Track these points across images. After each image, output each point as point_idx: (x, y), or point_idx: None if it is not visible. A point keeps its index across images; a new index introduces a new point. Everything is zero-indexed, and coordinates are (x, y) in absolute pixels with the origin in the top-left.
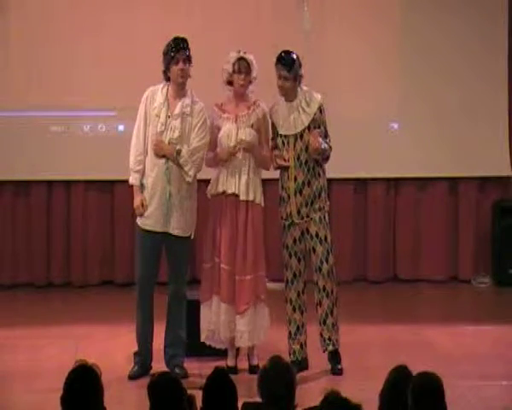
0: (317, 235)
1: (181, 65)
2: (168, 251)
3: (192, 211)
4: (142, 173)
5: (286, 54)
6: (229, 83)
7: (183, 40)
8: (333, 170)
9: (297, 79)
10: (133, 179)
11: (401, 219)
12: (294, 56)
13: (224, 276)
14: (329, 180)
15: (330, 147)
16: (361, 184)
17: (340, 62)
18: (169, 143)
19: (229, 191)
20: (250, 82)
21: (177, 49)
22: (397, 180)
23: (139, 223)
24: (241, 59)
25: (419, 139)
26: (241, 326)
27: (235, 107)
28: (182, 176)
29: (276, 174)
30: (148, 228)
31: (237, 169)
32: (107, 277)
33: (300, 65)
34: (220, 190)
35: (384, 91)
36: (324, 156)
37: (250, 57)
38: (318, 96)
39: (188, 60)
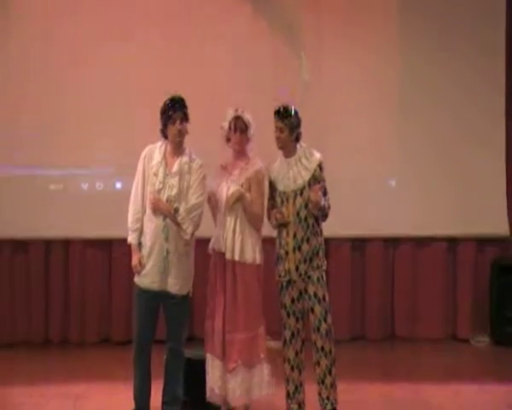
0: (315, 295)
1: (178, 124)
2: (166, 309)
3: (189, 268)
4: (140, 232)
5: (283, 107)
6: (229, 140)
7: (180, 99)
8: (330, 228)
9: (294, 132)
10: (131, 238)
11: (399, 277)
12: (292, 110)
13: (216, 333)
14: (327, 239)
15: (329, 205)
16: (359, 242)
17: (339, 115)
18: (167, 200)
19: (217, 249)
20: (247, 140)
21: (174, 109)
22: (395, 239)
23: (137, 281)
24: (237, 118)
25: (417, 198)
26: (232, 384)
27: (233, 165)
28: (179, 234)
29: (271, 232)
30: (145, 286)
31: (224, 227)
32: (104, 335)
33: (299, 121)
34: (211, 247)
35: (382, 149)
36: (323, 213)
37: (247, 116)
38: (318, 154)
39: (185, 118)
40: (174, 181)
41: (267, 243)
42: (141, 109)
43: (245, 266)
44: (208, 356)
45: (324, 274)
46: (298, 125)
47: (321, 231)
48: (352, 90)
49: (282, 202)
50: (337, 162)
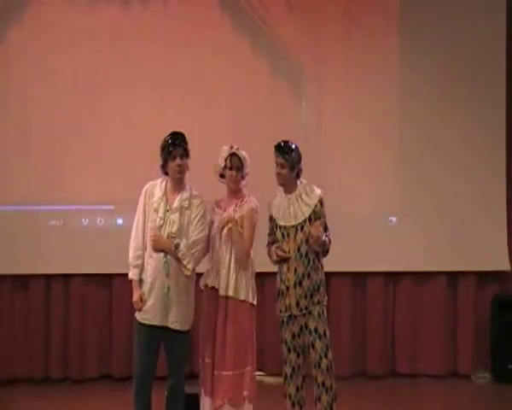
0: (315, 330)
1: (178, 161)
2: (166, 345)
3: (189, 304)
4: (141, 268)
5: (284, 142)
6: (222, 176)
7: (180, 135)
8: (331, 263)
9: (294, 168)
10: (132, 274)
11: (400, 313)
12: (293, 146)
13: (206, 369)
14: (328, 274)
15: (330, 240)
16: (359, 277)
17: (339, 155)
18: (168, 237)
19: (210, 284)
20: (242, 177)
21: (174, 145)
22: (395, 274)
23: (137, 317)
24: (233, 155)
25: (418, 233)
26: None
27: (228, 202)
28: (180, 270)
29: (269, 267)
30: (146, 322)
31: (218, 263)
32: (105, 370)
33: (300, 157)
34: (203, 282)
35: (382, 186)
36: (324, 249)
37: (242, 153)
38: (318, 190)
39: (185, 154)
40: (175, 217)
41: (266, 277)
42: (141, 146)
43: (238, 303)
44: (201, 391)
45: (325, 309)
46: (298, 161)
47: (322, 266)
48: (352, 133)
49: (283, 236)
50: (337, 200)
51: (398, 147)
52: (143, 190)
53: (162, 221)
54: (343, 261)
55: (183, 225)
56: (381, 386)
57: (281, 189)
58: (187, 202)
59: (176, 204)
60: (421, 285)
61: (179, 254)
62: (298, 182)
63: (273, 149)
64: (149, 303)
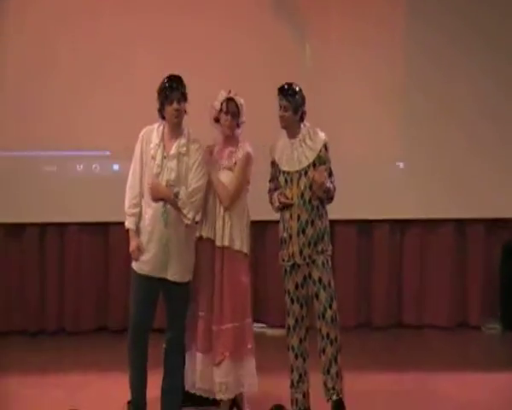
0: (319, 280)
1: (175, 105)
2: (166, 297)
3: (190, 255)
4: (139, 216)
5: (288, 84)
6: (217, 120)
7: (178, 78)
8: (336, 211)
9: (298, 110)
10: (129, 223)
11: (407, 262)
12: (297, 88)
13: (200, 324)
14: (332, 222)
15: (334, 187)
16: (365, 226)
17: (343, 100)
18: (166, 185)
19: (205, 236)
20: (237, 125)
21: (172, 89)
22: (402, 222)
23: (135, 268)
24: (230, 100)
25: (425, 180)
26: (218, 378)
27: (222, 150)
28: (180, 219)
29: (273, 215)
30: (144, 273)
31: (212, 213)
32: (101, 323)
33: (303, 100)
34: (197, 234)
35: (388, 130)
36: (329, 196)
37: (240, 100)
38: (323, 134)
39: (183, 98)
40: (172, 164)
41: (268, 226)
42: (139, 89)
43: (234, 253)
44: (193, 347)
45: (329, 259)
46: (302, 103)
47: (326, 213)
48: (357, 78)
49: (286, 182)
50: (343, 145)
51: (404, 93)
52: (140, 136)
53: (159, 168)
54: (348, 209)
55: (181, 173)
56: (386, 338)
57: (284, 133)
58: (185, 148)
59: (173, 151)
60: (429, 233)
61: (179, 203)
62: (301, 125)
63: (276, 95)
64: (148, 254)
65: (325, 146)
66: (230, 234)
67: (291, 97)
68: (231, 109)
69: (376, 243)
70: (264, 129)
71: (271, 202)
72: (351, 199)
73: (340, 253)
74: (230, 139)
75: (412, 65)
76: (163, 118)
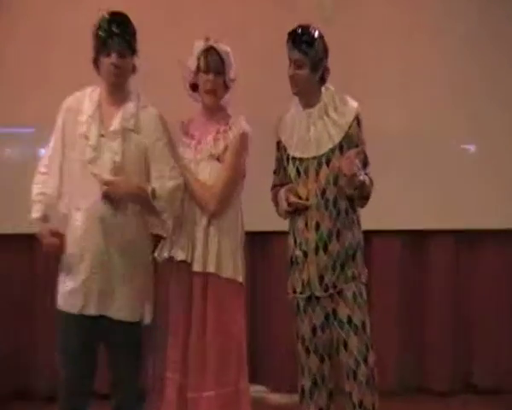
0: (349, 321)
1: (114, 58)
2: (109, 346)
3: (144, 281)
4: (64, 224)
5: (303, 29)
6: (194, 87)
7: (122, 18)
8: (373, 218)
9: (318, 67)
10: (35, 212)
11: (480, 294)
12: (315, 33)
13: (169, 390)
14: (368, 233)
15: (371, 181)
16: (417, 238)
17: (372, 62)
18: (111, 173)
19: (178, 257)
20: (225, 87)
21: (110, 33)
22: (473, 233)
23: (61, 303)
24: (209, 50)
25: (508, 171)
26: None
27: (203, 126)
28: (129, 226)
29: (277, 224)
30: (74, 311)
31: (189, 223)
32: (19, 386)
33: (326, 51)
34: (165, 254)
35: (448, 100)
36: (363, 194)
37: (224, 48)
38: (354, 103)
39: (128, 49)
40: (115, 145)
41: (269, 239)
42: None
43: (222, 282)
44: None
45: (364, 289)
46: (324, 56)
47: (358, 221)
48: (384, 29)
49: (299, 174)
50: (381, 122)
51: (444, 43)
52: (62, 107)
53: (95, 152)
54: (391, 215)
55: (129, 159)
56: (449, 406)
57: (296, 101)
58: (133, 121)
59: (115, 125)
60: (509, 249)
61: (158, 205)
62: (323, 89)
63: (283, 45)
64: (78, 280)
65: (357, 120)
66: (218, 254)
67: (307, 47)
68: (212, 64)
69: (434, 264)
70: (265, 98)
71: (276, 204)
72: (395, 199)
73: (380, 279)
74: (215, 113)
75: (485, 15)
76: (98, 73)
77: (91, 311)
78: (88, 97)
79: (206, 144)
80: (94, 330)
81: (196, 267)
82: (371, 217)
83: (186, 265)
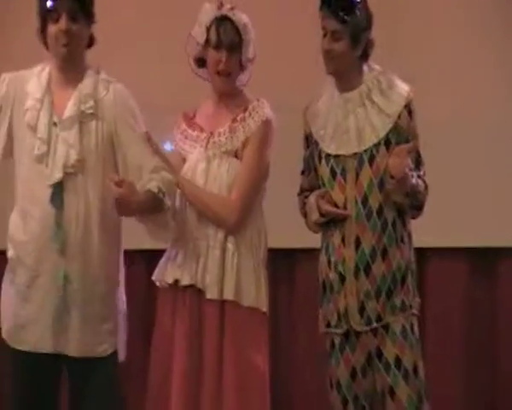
0: (397, 363)
1: (64, 23)
2: (70, 391)
3: (113, 305)
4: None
5: None
6: (200, 62)
7: None
8: (427, 233)
9: (359, 40)
10: None
11: None
12: None
13: None
14: (421, 251)
15: (426, 186)
16: (484, 257)
17: (429, 33)
18: (62, 173)
19: (185, 281)
20: (241, 66)
21: None
22: None
23: (7, 338)
24: (222, 20)
25: None
26: None
27: (214, 115)
28: (93, 237)
29: (305, 240)
30: (25, 347)
31: (201, 240)
32: None
33: (370, 19)
34: (169, 278)
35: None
36: (416, 202)
37: (241, 18)
38: (405, 86)
39: (82, 11)
40: (70, 135)
41: (294, 259)
42: None
43: (243, 312)
44: None
45: (415, 322)
46: (367, 26)
47: (409, 236)
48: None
49: (334, 176)
50: (435, 109)
51: None
52: (3, 83)
53: (45, 146)
54: (452, 228)
55: (88, 152)
56: None
57: (330, 82)
58: (91, 102)
59: (69, 110)
60: None
61: (166, 205)
62: (365, 68)
63: (314, 12)
64: (29, 310)
65: (409, 108)
66: (238, 278)
67: (347, 14)
68: (226, 39)
69: (508, 291)
70: (290, 79)
71: (305, 214)
72: (456, 209)
73: (437, 310)
74: (230, 97)
75: None
76: (47, 48)
77: (47, 348)
78: (36, 78)
79: (219, 137)
80: (50, 371)
81: (210, 294)
82: (425, 231)
83: (194, 290)
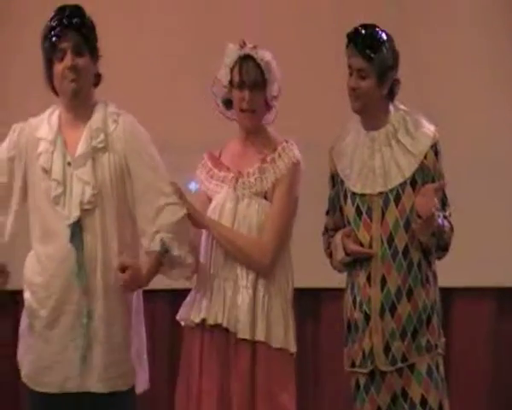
0: (423, 403)
1: (69, 59)
2: None
3: (133, 337)
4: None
5: (366, 28)
6: (227, 104)
7: (75, 10)
8: (452, 272)
9: (386, 79)
10: None
11: None
12: (383, 36)
13: None
14: (446, 290)
15: (452, 227)
16: (507, 296)
17: (456, 59)
18: (79, 211)
19: (212, 321)
20: (267, 105)
21: (62, 30)
22: None
23: (28, 381)
24: (245, 58)
25: None
26: None
27: (241, 154)
28: (112, 273)
29: (329, 280)
30: (50, 390)
31: (230, 280)
32: None
33: (396, 58)
34: (195, 317)
35: None
36: (442, 243)
37: (263, 56)
38: (431, 127)
39: (86, 45)
40: (84, 172)
41: (317, 298)
42: None
43: (272, 352)
44: None
45: (441, 362)
46: (393, 65)
47: (435, 277)
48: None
49: (359, 215)
50: (461, 148)
51: None
52: (12, 137)
53: (61, 187)
54: (478, 267)
55: (103, 184)
56: None
57: (356, 121)
58: (102, 136)
59: (81, 147)
60: None
61: (173, 256)
62: (391, 107)
63: (340, 50)
64: (51, 351)
65: (435, 149)
66: (267, 318)
67: (373, 52)
68: (248, 78)
69: None
70: (315, 117)
71: (330, 254)
72: (482, 248)
73: (462, 351)
74: (257, 136)
75: None
76: (56, 94)
77: (70, 387)
78: (45, 122)
79: (248, 177)
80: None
81: (243, 334)
82: (450, 270)
83: (221, 330)
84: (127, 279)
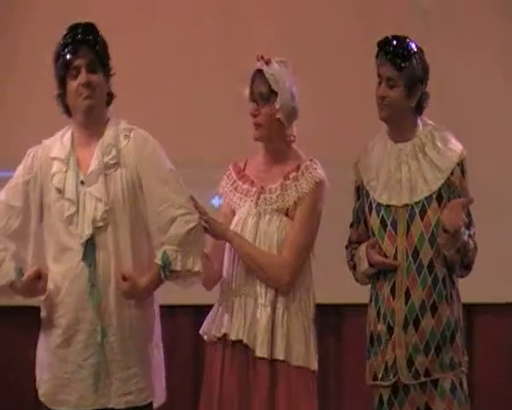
0: None
1: (83, 76)
2: None
3: (150, 352)
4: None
5: (398, 39)
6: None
7: (87, 27)
8: (475, 289)
9: (414, 90)
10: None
11: None
12: (413, 47)
13: None
14: (468, 307)
15: (475, 245)
16: None
17: (480, 77)
18: (93, 229)
19: (233, 336)
20: (277, 120)
21: (75, 47)
22: None
23: (45, 401)
24: (257, 72)
25: None
26: None
27: (265, 170)
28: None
29: (351, 295)
30: (65, 409)
31: (251, 297)
32: None
33: (426, 71)
34: (217, 332)
35: None
36: (466, 260)
37: (272, 69)
38: (458, 145)
39: (99, 64)
40: (96, 189)
41: (339, 313)
42: None
43: (292, 370)
44: None
45: (465, 380)
46: (423, 77)
47: (458, 293)
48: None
49: (385, 226)
50: (484, 167)
51: None
52: (27, 162)
53: (74, 207)
54: (502, 283)
55: (116, 200)
56: None
57: (383, 133)
58: (114, 151)
59: (93, 164)
60: None
61: (179, 268)
62: (418, 121)
63: (365, 62)
64: (67, 370)
65: (462, 166)
66: (287, 337)
67: (403, 61)
68: (256, 90)
69: None
70: (339, 131)
71: (353, 267)
72: (505, 263)
73: (485, 368)
74: (279, 152)
75: None
76: (68, 113)
77: (85, 405)
78: (59, 142)
79: (271, 194)
80: None
81: (261, 353)
82: (472, 287)
83: (243, 346)
84: (125, 290)
